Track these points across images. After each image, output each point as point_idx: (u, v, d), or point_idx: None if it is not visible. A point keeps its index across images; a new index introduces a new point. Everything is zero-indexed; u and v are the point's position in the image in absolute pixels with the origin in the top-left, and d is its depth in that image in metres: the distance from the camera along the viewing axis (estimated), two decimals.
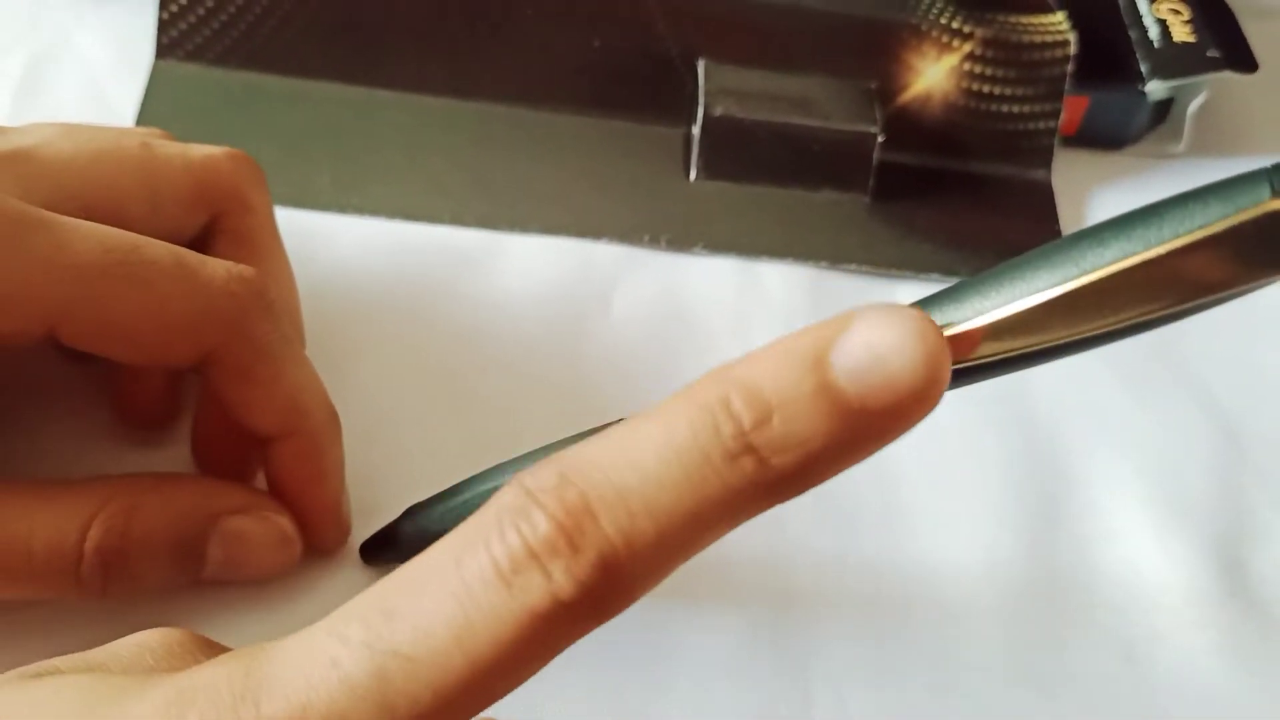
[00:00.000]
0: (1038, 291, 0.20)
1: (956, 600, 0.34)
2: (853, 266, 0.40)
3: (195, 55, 0.41)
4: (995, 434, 0.37)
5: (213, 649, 0.22)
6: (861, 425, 0.19)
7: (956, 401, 0.37)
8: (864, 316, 0.19)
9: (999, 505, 0.36)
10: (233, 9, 0.40)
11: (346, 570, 0.32)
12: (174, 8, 0.40)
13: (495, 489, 0.27)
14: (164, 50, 0.41)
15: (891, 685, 0.32)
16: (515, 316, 0.37)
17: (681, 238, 0.40)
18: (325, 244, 0.38)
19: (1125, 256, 0.19)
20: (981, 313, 0.20)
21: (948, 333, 0.21)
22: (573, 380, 0.36)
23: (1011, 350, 0.21)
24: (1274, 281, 0.19)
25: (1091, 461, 0.37)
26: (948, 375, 0.19)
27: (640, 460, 0.19)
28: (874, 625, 0.33)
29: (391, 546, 0.31)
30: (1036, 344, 0.20)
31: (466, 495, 0.29)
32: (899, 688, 0.32)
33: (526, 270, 0.38)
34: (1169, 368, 0.40)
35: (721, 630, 0.32)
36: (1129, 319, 0.20)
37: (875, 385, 0.19)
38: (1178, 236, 0.19)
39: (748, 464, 0.19)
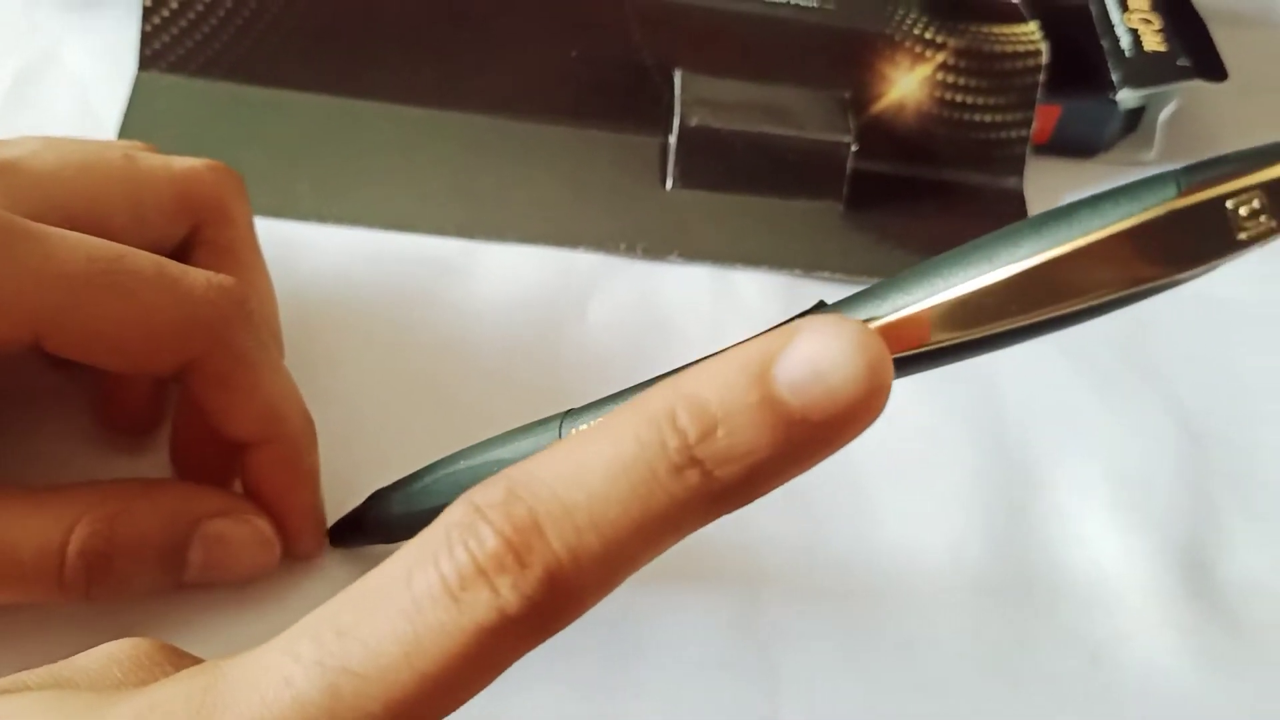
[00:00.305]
0: (953, 288, 0.21)
1: (924, 600, 0.34)
2: (827, 274, 0.41)
3: (178, 66, 0.41)
4: (964, 436, 0.38)
5: (182, 659, 0.23)
6: (805, 436, 0.19)
7: (927, 403, 0.38)
8: (807, 328, 0.19)
9: (967, 506, 0.36)
10: (215, 21, 0.41)
11: (324, 574, 0.32)
12: (157, 20, 0.41)
13: (455, 473, 0.28)
14: (147, 62, 0.41)
15: (860, 683, 0.32)
16: (492, 325, 0.38)
17: (658, 246, 0.41)
18: (307, 253, 0.38)
19: (1036, 253, 0.20)
20: (900, 309, 0.21)
21: (871, 326, 0.21)
22: (548, 387, 0.36)
23: (935, 344, 0.21)
24: (1181, 279, 0.20)
25: (1059, 464, 0.38)
26: (889, 385, 0.19)
27: (587, 475, 0.19)
28: (843, 624, 0.33)
29: (357, 530, 0.32)
30: (953, 339, 0.21)
31: (427, 480, 0.29)
32: (867, 685, 0.32)
33: (504, 279, 0.39)
34: (1137, 372, 0.40)
35: (691, 628, 0.33)
36: (1042, 314, 0.20)
37: (818, 397, 0.19)
38: (1087, 234, 0.20)
39: (693, 476, 0.19)
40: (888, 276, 0.40)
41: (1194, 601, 0.35)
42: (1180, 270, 0.20)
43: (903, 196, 0.43)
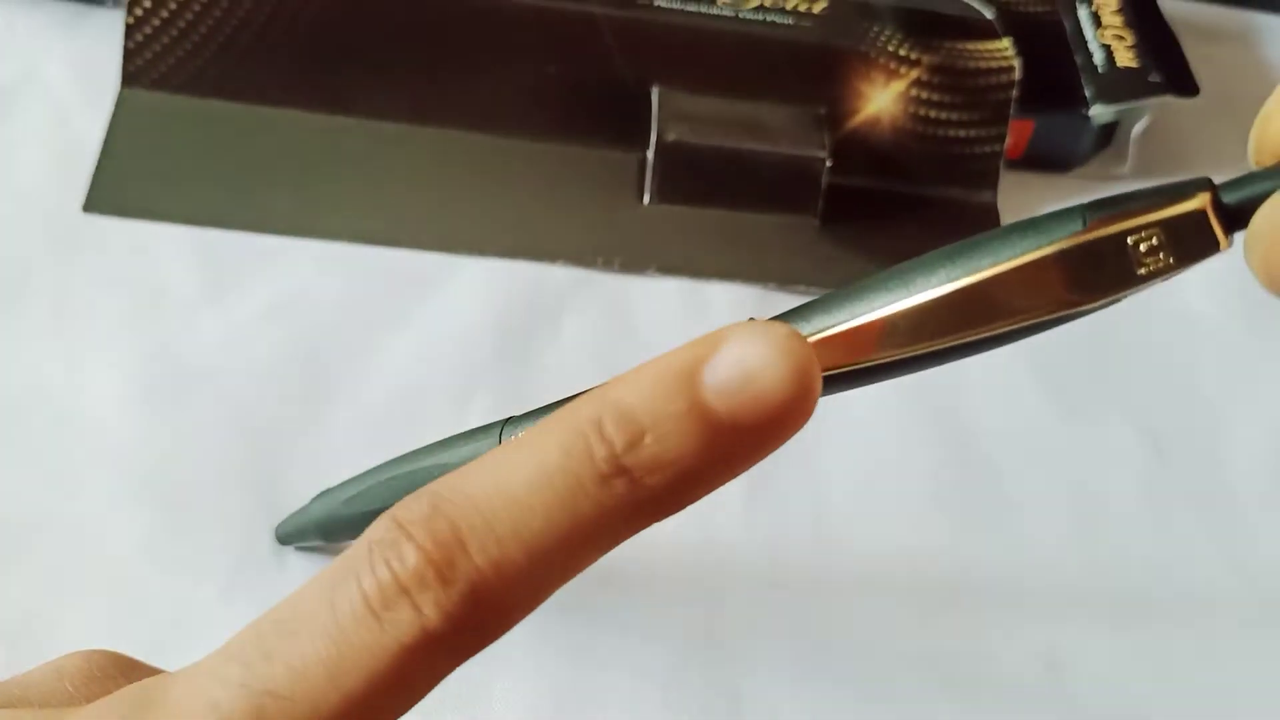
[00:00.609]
0: (871, 312, 0.21)
1: (885, 609, 0.35)
2: (802, 287, 0.41)
3: (160, 83, 0.42)
4: (927, 447, 0.38)
5: (135, 669, 0.23)
6: (733, 442, 0.19)
7: (891, 415, 0.38)
8: (734, 333, 0.19)
9: (928, 516, 0.37)
10: (198, 38, 0.41)
11: (282, 572, 0.33)
12: (139, 37, 0.41)
13: (396, 477, 0.29)
14: (129, 78, 0.42)
15: (820, 694, 0.33)
16: (468, 338, 0.38)
17: (635, 260, 0.41)
18: (286, 267, 0.39)
19: (948, 281, 0.21)
20: (820, 330, 0.21)
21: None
22: (521, 400, 0.37)
23: (854, 364, 0.21)
24: (1084, 310, 0.20)
25: (1021, 475, 0.38)
26: (818, 389, 0.19)
27: (511, 486, 0.19)
28: (804, 633, 0.34)
29: (303, 528, 0.32)
30: (871, 360, 0.21)
31: (370, 482, 0.30)
32: (828, 697, 0.33)
33: (481, 292, 0.39)
34: (1101, 385, 0.41)
35: (653, 643, 0.33)
36: (952, 340, 0.21)
37: (745, 402, 0.19)
38: (996, 264, 0.20)
39: (620, 485, 0.19)
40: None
41: (1152, 612, 0.36)
42: (1082, 302, 0.20)
43: (877, 211, 0.44)
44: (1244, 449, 0.40)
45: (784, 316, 0.22)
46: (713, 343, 0.19)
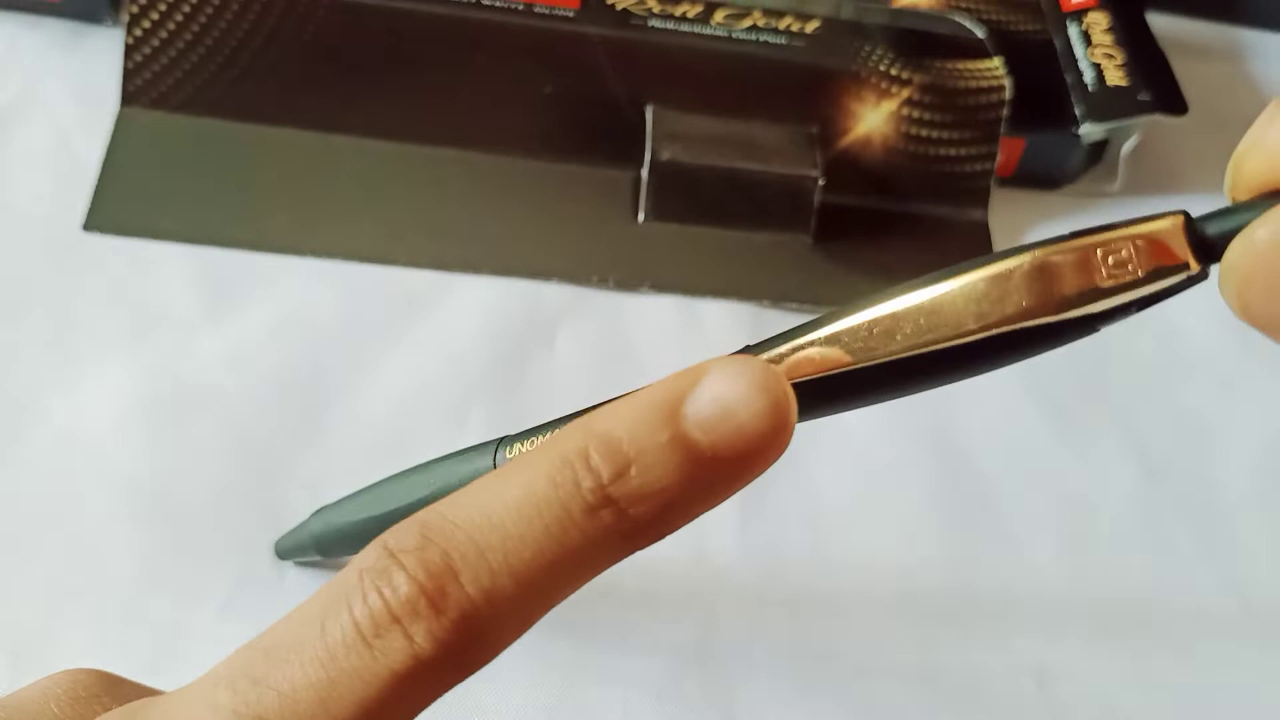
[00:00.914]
0: (847, 320, 0.22)
1: (878, 626, 0.35)
2: (795, 305, 0.42)
3: (160, 102, 0.42)
4: (920, 465, 0.39)
5: (121, 688, 0.23)
6: (714, 473, 0.20)
7: (886, 433, 0.39)
8: (715, 369, 0.20)
9: (921, 534, 0.37)
10: (196, 58, 0.42)
11: (282, 588, 0.33)
12: (139, 57, 0.42)
13: (391, 494, 0.29)
14: (129, 97, 0.42)
15: (814, 710, 0.33)
16: (463, 355, 0.39)
17: (630, 278, 0.41)
18: (284, 285, 0.39)
19: (925, 292, 0.21)
20: (802, 347, 0.22)
21: (773, 353, 0.22)
22: (515, 417, 0.37)
23: (836, 368, 0.22)
24: (1056, 322, 0.21)
25: (1013, 493, 0.38)
26: (793, 422, 0.20)
27: (501, 517, 0.19)
28: (797, 652, 0.34)
29: (301, 544, 0.33)
30: (850, 367, 0.22)
31: (365, 499, 0.30)
32: (821, 712, 0.33)
33: (474, 311, 0.40)
34: (1094, 403, 0.41)
35: (648, 659, 0.33)
36: (923, 347, 0.21)
37: (725, 435, 0.19)
38: (970, 274, 0.21)
39: (607, 515, 0.20)
40: None
41: (1144, 630, 0.36)
42: (1050, 311, 0.21)
43: (870, 229, 0.44)
44: (1235, 467, 0.40)
45: (774, 338, 0.23)
46: (693, 377, 0.20)
